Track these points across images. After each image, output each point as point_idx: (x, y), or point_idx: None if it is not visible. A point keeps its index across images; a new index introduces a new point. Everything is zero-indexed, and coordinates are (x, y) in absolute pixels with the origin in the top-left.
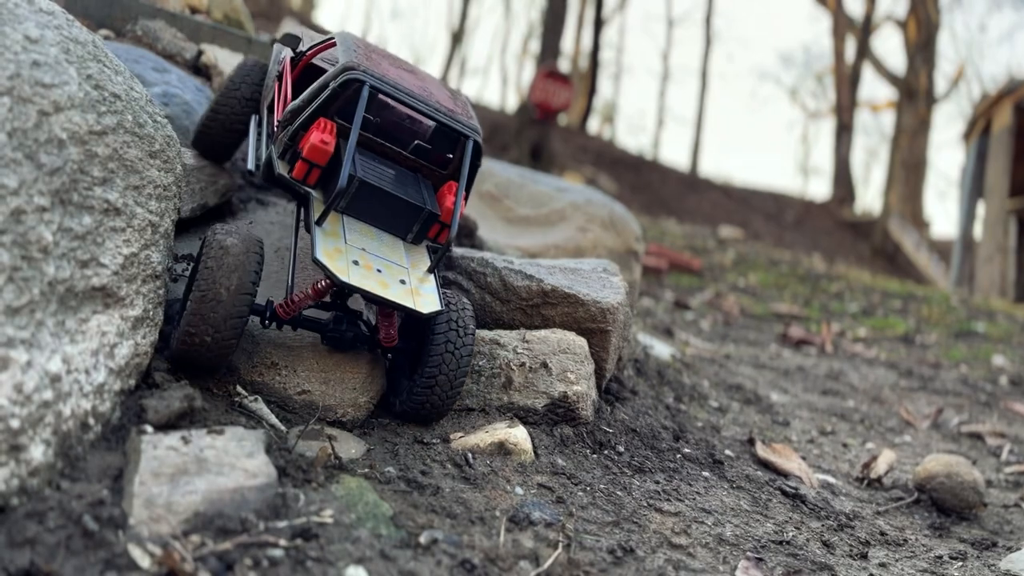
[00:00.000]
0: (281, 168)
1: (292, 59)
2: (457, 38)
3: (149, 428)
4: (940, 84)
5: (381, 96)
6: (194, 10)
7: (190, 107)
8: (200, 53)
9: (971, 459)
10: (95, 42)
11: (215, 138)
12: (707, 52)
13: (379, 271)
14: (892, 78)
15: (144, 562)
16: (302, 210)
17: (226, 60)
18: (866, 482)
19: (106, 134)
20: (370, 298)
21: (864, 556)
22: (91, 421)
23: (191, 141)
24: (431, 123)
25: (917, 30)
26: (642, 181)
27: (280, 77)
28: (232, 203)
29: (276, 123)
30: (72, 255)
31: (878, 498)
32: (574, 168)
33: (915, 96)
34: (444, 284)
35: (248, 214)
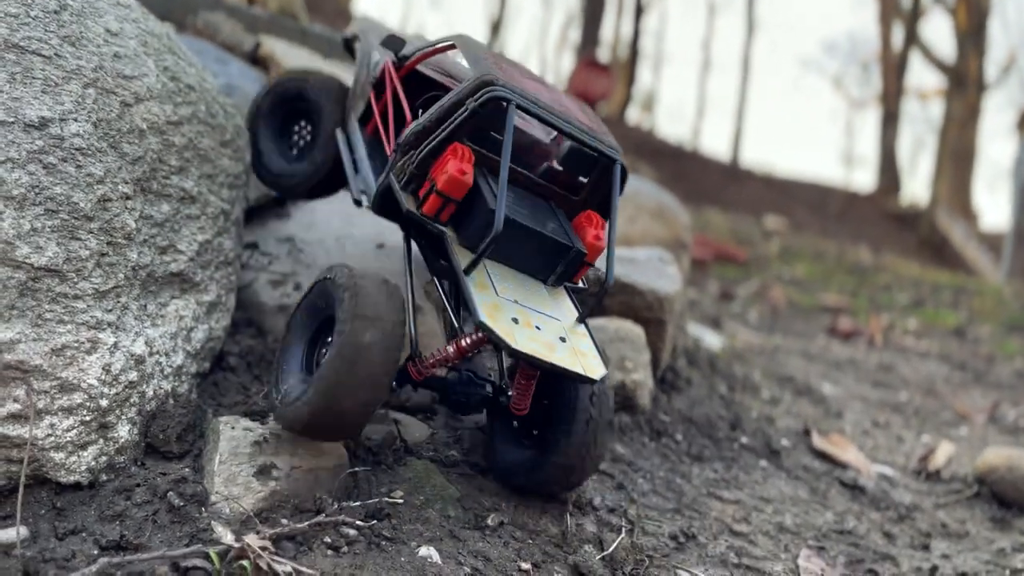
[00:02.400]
0: (409, 203)
1: (395, 65)
2: (496, 27)
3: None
4: (991, 71)
5: (522, 115)
6: (251, 1)
7: (251, 99)
8: (258, 45)
9: None
10: (169, 35)
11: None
12: (749, 40)
13: (539, 328)
14: (941, 65)
15: (227, 537)
16: (412, 244)
17: (283, 52)
18: (924, 474)
19: (182, 124)
20: (536, 365)
21: (926, 547)
22: (171, 402)
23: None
24: (566, 143)
25: (967, 15)
26: (682, 171)
27: (376, 85)
28: None
29: (393, 146)
30: (152, 241)
31: (937, 490)
32: None
33: (965, 84)
34: None
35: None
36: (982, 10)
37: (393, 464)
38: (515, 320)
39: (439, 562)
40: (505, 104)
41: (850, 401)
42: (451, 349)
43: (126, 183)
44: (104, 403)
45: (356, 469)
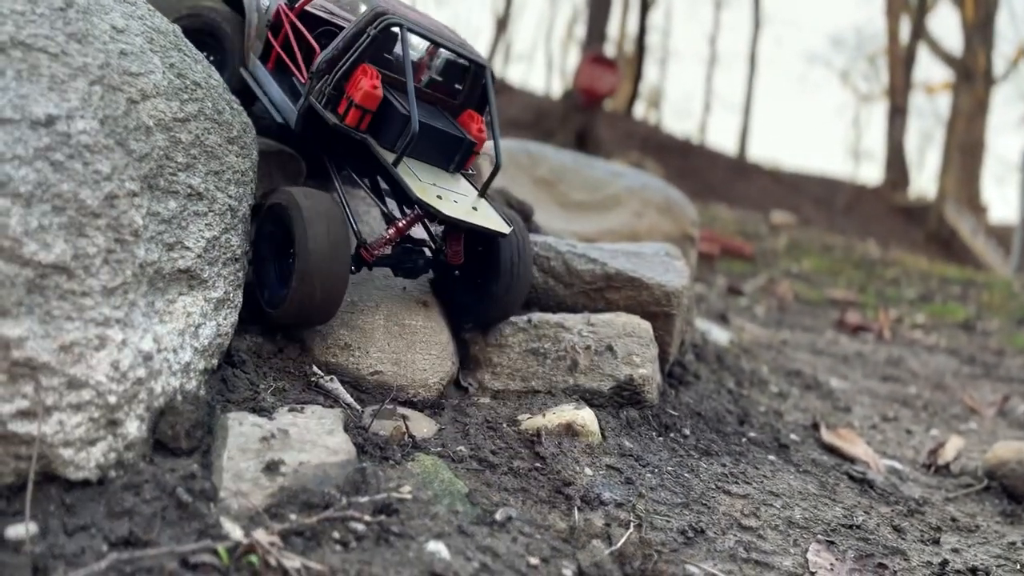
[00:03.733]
0: (334, 118)
1: (287, 5)
2: (502, 24)
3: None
4: (999, 65)
5: (411, 36)
6: None
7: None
8: None
9: None
10: (175, 31)
11: None
12: (755, 35)
13: (456, 202)
14: (948, 59)
15: (236, 533)
16: (332, 161)
17: None
18: (933, 468)
19: (189, 121)
20: (462, 226)
21: (936, 541)
22: (179, 398)
23: None
24: (440, 58)
25: (974, 9)
26: (689, 166)
27: (273, 26)
28: None
29: (308, 74)
30: (160, 238)
31: (947, 484)
32: (620, 153)
33: (972, 77)
34: None
35: None
36: (990, 3)
37: (401, 459)
38: (439, 197)
39: (447, 557)
40: (399, 29)
41: (858, 395)
42: (392, 231)
43: (133, 180)
44: (113, 400)
45: (364, 465)
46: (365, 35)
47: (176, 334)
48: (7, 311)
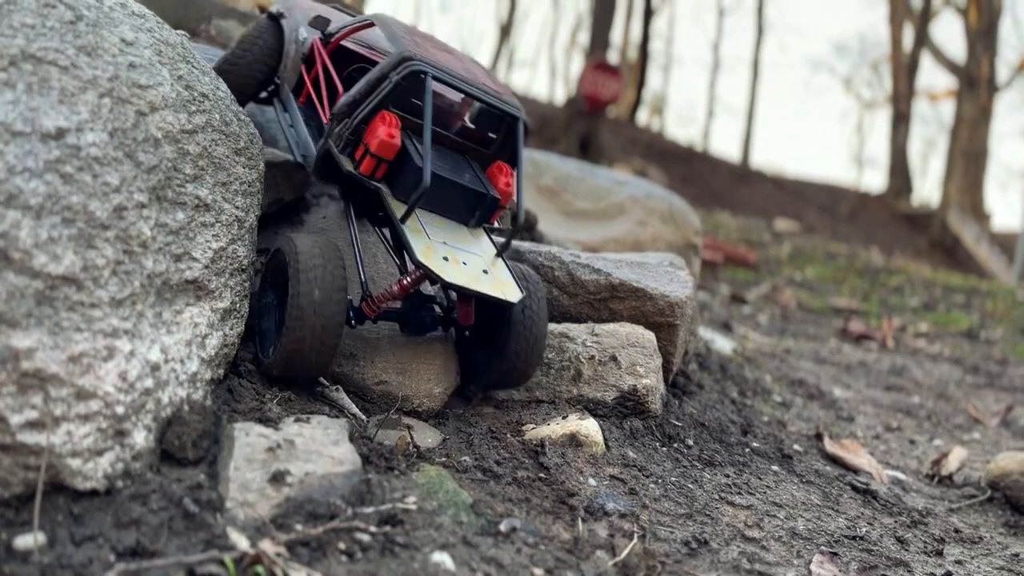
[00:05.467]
0: (348, 165)
1: (321, 41)
2: (506, 31)
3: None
4: (1002, 72)
5: (438, 83)
6: (262, 9)
7: (262, 106)
8: None
9: None
10: (183, 43)
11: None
12: (759, 41)
13: (465, 264)
14: (952, 66)
15: (242, 543)
16: (352, 204)
17: None
18: (937, 479)
19: (196, 132)
20: (466, 293)
21: (939, 553)
22: (186, 409)
23: None
24: (476, 104)
25: (978, 16)
26: (692, 173)
27: (307, 60)
28: (306, 198)
29: (329, 116)
30: (167, 249)
31: (950, 495)
32: (623, 160)
33: (976, 84)
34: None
35: (321, 208)
36: (993, 10)
37: (405, 469)
38: (445, 259)
39: (452, 568)
40: (423, 76)
41: (862, 405)
42: (395, 288)
43: (141, 191)
44: (120, 410)
45: (369, 475)
46: (387, 80)
47: (183, 344)
48: (17, 322)
